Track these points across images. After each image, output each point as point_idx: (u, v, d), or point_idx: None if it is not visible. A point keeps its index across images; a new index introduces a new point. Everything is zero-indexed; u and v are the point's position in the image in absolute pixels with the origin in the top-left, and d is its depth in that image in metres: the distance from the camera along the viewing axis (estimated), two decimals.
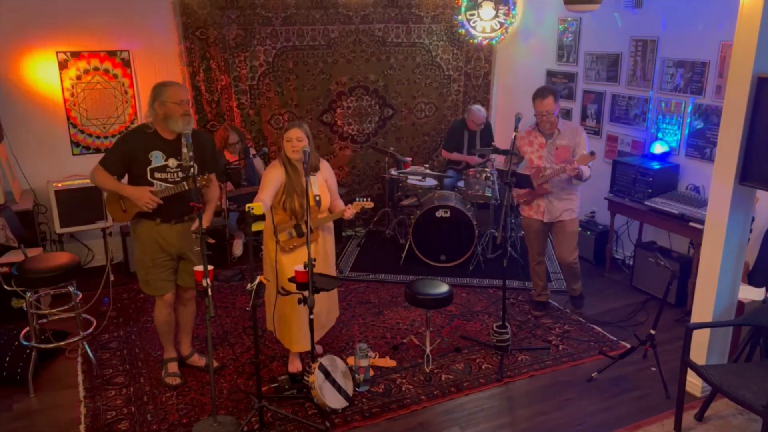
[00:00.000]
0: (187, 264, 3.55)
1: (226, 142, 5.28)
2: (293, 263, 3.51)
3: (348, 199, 3.84)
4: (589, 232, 5.52)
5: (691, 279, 4.42)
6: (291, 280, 3.30)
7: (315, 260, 3.22)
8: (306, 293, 3.18)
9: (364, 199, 3.74)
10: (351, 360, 3.76)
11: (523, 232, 5.88)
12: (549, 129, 4.18)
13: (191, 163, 3.11)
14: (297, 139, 3.47)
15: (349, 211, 3.65)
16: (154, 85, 3.40)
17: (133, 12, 5.13)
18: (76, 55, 5.05)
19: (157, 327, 3.73)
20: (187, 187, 3.34)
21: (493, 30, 6.29)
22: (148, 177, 3.38)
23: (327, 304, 3.76)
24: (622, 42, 5.38)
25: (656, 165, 4.92)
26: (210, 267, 3.00)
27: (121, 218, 3.49)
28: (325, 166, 3.73)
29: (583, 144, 4.16)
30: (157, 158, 3.38)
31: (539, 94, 4.11)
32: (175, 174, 3.43)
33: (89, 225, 4.99)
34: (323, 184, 3.65)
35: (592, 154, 3.97)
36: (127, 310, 4.70)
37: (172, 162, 3.41)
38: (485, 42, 6.38)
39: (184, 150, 3.13)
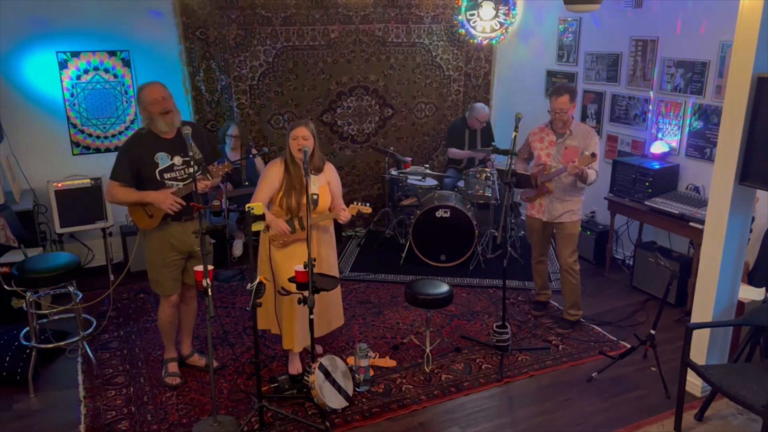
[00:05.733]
0: (196, 262, 3.54)
1: (224, 132, 5.34)
2: (287, 260, 3.51)
3: (348, 199, 3.83)
4: (589, 232, 5.52)
5: (691, 279, 4.42)
6: (291, 279, 3.30)
7: (315, 260, 3.22)
8: (305, 293, 3.19)
9: (363, 204, 3.71)
10: (351, 360, 3.76)
11: (523, 232, 5.92)
12: (562, 128, 4.14)
13: (200, 157, 3.13)
14: (303, 138, 3.47)
15: (344, 214, 3.61)
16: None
17: (133, 12, 5.13)
18: (76, 55, 5.05)
19: (159, 327, 3.73)
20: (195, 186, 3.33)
21: (493, 30, 6.29)
22: (158, 179, 3.39)
23: (318, 306, 3.73)
24: (622, 42, 5.39)
25: (656, 165, 4.92)
26: (210, 267, 3.00)
27: (148, 225, 3.44)
28: (329, 167, 3.72)
29: (592, 148, 4.08)
30: (163, 159, 3.39)
31: (555, 92, 4.08)
32: (182, 171, 3.45)
33: (89, 225, 4.98)
34: (324, 185, 3.64)
35: (593, 155, 3.95)
36: (127, 310, 4.70)
37: (178, 160, 3.43)
38: (485, 42, 6.38)
39: (191, 153, 3.11)
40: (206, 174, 3.43)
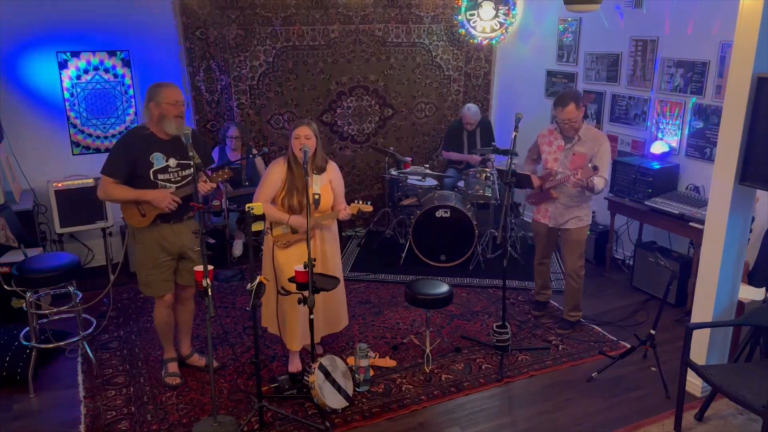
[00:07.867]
0: (188, 263, 3.55)
1: (224, 133, 5.34)
2: (289, 260, 3.51)
3: (348, 199, 3.83)
4: (589, 232, 5.50)
5: (691, 279, 4.42)
6: (291, 279, 3.30)
7: (315, 260, 3.22)
8: (304, 293, 3.19)
9: (364, 202, 3.71)
10: (351, 360, 3.76)
11: (523, 232, 5.92)
12: (571, 134, 4.05)
13: (199, 162, 3.12)
14: (305, 137, 3.48)
15: (344, 212, 3.62)
16: (149, 86, 3.40)
17: (133, 12, 5.13)
18: (76, 55, 5.05)
19: (156, 327, 3.73)
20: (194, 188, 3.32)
21: (493, 30, 6.29)
22: (152, 179, 3.37)
23: (322, 305, 3.73)
24: (622, 42, 5.38)
25: (656, 165, 4.92)
26: (210, 267, 3.00)
27: (140, 223, 3.42)
28: (332, 166, 3.72)
29: (602, 155, 3.98)
30: (158, 160, 3.37)
31: (560, 102, 3.93)
32: (176, 174, 3.43)
33: (89, 225, 4.98)
34: (327, 184, 3.64)
35: (595, 169, 3.84)
36: (127, 310, 4.70)
37: (173, 162, 3.41)
38: (485, 42, 6.38)
39: (191, 153, 3.10)
40: (207, 179, 3.42)
